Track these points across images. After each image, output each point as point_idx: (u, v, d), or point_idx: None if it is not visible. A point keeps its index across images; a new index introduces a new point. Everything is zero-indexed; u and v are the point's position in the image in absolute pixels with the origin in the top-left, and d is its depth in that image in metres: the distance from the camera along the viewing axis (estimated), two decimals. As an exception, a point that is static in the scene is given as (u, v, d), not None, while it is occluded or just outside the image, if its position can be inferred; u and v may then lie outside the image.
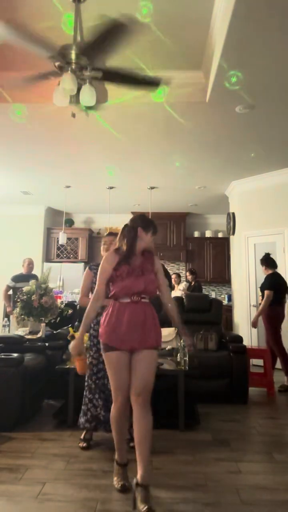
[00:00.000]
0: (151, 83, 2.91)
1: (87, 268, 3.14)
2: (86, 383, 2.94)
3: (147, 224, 2.35)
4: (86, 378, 2.94)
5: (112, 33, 2.35)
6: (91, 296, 2.47)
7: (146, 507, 1.93)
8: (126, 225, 2.38)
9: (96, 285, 2.33)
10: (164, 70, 3.52)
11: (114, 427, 2.26)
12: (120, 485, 2.21)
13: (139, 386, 2.14)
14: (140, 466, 2.06)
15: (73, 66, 2.59)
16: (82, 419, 2.89)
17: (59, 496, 2.16)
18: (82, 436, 2.89)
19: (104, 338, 2.25)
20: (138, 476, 2.05)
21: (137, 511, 1.98)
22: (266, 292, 4.60)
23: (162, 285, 2.39)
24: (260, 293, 4.86)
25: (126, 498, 2.13)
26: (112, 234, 3.03)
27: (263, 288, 4.70)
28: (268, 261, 4.84)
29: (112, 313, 2.26)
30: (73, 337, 3.33)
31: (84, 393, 2.94)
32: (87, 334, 3.02)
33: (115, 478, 2.28)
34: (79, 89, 2.68)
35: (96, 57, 2.61)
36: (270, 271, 4.79)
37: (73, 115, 2.95)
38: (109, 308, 2.30)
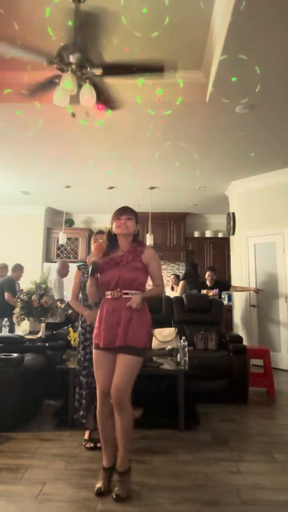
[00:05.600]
0: (153, 68, 2.78)
1: (76, 268, 3.12)
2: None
3: (115, 213, 2.34)
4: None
5: (147, 69, 2.39)
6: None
7: (114, 494, 2.10)
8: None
9: None
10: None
11: (98, 424, 2.28)
12: (96, 488, 2.16)
13: (112, 388, 2.16)
14: (118, 455, 2.21)
15: (73, 67, 2.60)
16: (76, 416, 2.91)
17: (59, 496, 2.16)
18: (87, 436, 2.85)
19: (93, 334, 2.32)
20: (117, 463, 2.22)
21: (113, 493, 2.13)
22: None
23: (152, 272, 2.32)
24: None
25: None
26: (102, 232, 3.04)
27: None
28: None
29: (99, 309, 2.32)
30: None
31: (76, 390, 2.95)
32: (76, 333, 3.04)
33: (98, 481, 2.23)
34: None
35: (114, 75, 2.65)
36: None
37: (73, 115, 2.96)
38: None
